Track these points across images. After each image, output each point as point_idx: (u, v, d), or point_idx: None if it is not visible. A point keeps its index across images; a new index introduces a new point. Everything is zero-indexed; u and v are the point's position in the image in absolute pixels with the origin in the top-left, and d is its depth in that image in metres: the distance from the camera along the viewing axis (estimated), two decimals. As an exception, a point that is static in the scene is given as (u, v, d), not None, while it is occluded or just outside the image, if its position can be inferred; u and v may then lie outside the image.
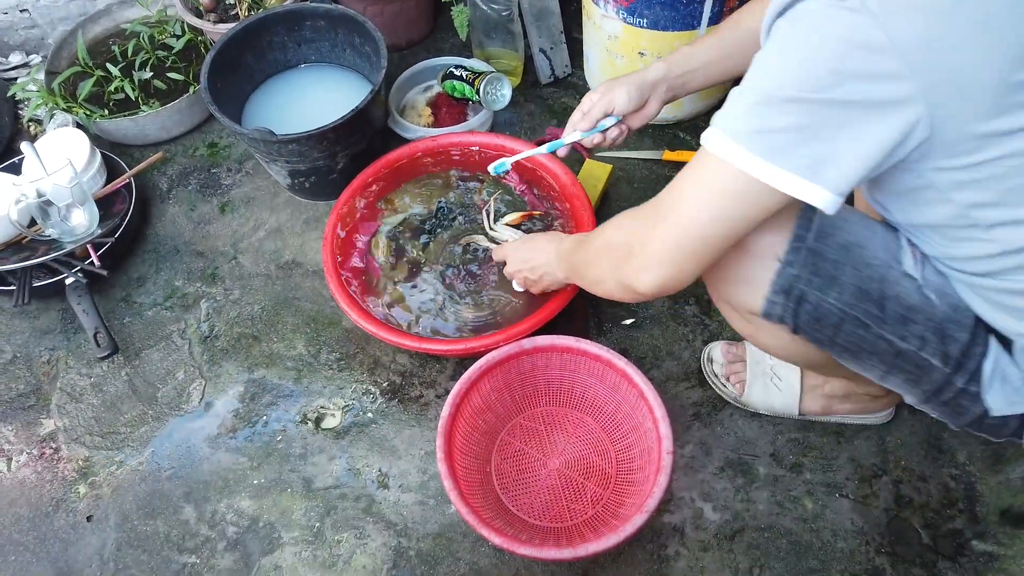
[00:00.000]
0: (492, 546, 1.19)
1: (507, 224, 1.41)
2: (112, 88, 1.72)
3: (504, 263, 1.29)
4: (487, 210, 1.43)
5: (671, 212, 0.83)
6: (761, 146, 0.74)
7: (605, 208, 1.57)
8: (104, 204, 1.57)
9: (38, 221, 1.49)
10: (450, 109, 1.69)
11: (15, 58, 2.00)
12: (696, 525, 1.21)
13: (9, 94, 1.84)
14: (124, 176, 1.60)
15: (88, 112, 1.69)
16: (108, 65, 1.75)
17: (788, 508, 1.21)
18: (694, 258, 0.83)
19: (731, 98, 0.77)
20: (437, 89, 1.71)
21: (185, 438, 1.38)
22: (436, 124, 1.68)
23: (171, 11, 1.83)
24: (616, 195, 1.59)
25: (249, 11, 1.72)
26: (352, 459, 1.32)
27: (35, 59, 2.01)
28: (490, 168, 1.30)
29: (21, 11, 1.94)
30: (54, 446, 1.40)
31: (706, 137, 0.78)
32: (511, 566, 1.20)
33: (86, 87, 1.70)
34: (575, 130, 1.20)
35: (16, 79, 1.93)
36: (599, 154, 1.64)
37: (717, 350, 1.33)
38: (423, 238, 1.45)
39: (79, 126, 1.71)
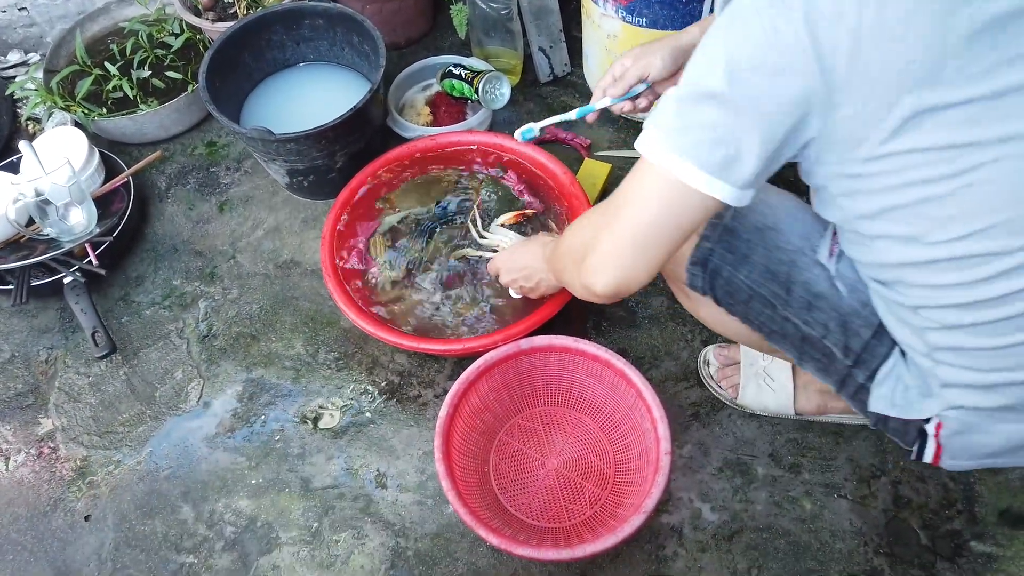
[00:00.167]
0: (490, 546, 1.19)
1: (501, 224, 1.41)
2: (110, 87, 1.72)
3: (498, 274, 1.26)
4: (472, 219, 1.42)
5: (616, 215, 0.82)
6: (677, 144, 0.74)
7: (604, 207, 1.57)
8: (102, 203, 1.57)
9: (36, 220, 1.49)
10: (449, 108, 1.69)
11: (13, 56, 2.00)
12: (694, 525, 1.21)
13: (7, 92, 1.83)
14: (122, 175, 1.60)
15: (86, 111, 1.69)
16: (106, 64, 1.74)
17: (786, 508, 1.21)
18: (645, 258, 0.82)
19: (663, 97, 0.77)
20: (436, 88, 1.71)
21: (183, 438, 1.37)
22: (435, 123, 1.68)
23: (169, 9, 1.82)
24: (615, 194, 1.58)
25: (247, 9, 1.72)
26: (350, 459, 1.32)
27: (33, 57, 2.01)
28: (516, 134, 1.25)
29: (19, 9, 1.94)
30: (52, 445, 1.40)
31: (639, 139, 0.78)
32: (509, 566, 1.19)
33: (84, 86, 1.70)
34: (605, 95, 1.16)
35: (14, 77, 1.93)
36: (598, 153, 1.64)
37: (711, 353, 1.33)
38: (422, 237, 1.45)
39: (77, 125, 1.71)
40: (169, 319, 1.52)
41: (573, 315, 1.41)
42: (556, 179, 1.46)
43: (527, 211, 1.44)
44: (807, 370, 0.99)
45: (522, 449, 1.26)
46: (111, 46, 1.83)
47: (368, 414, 1.37)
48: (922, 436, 0.89)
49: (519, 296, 1.31)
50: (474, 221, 1.41)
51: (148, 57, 1.78)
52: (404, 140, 1.57)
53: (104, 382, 1.46)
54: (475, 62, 1.67)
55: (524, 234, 1.40)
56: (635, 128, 1.68)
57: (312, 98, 1.65)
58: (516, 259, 1.22)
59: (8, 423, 1.43)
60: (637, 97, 1.16)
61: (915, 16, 0.64)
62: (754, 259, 0.94)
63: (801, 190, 0.92)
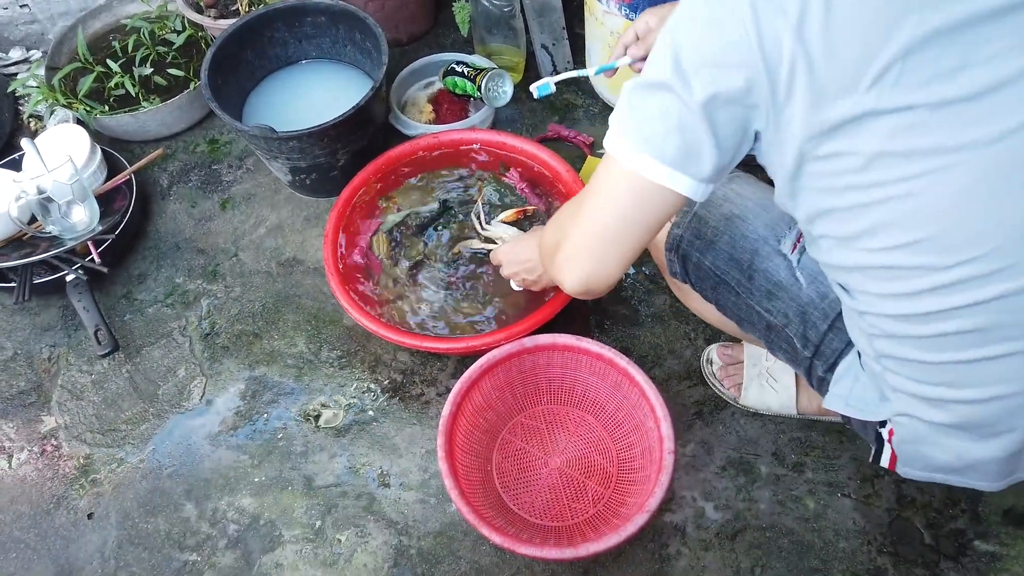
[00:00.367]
0: (493, 545, 1.19)
1: (503, 221, 1.41)
2: (112, 84, 1.72)
3: (500, 266, 1.27)
4: (476, 213, 1.42)
5: (582, 211, 0.80)
6: (633, 137, 0.73)
7: (607, 205, 1.56)
8: (105, 201, 1.56)
9: (39, 218, 1.49)
10: (451, 105, 1.69)
11: (15, 54, 2.00)
12: (697, 524, 1.21)
13: (9, 90, 1.83)
14: (125, 173, 1.59)
15: (88, 108, 1.69)
16: (108, 61, 1.74)
17: (790, 507, 1.21)
18: (612, 254, 0.80)
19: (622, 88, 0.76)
20: (438, 85, 1.70)
21: (186, 436, 1.38)
22: (437, 121, 1.67)
23: (171, 6, 1.82)
24: (618, 192, 1.58)
25: (249, 7, 1.72)
26: (353, 457, 1.32)
27: (35, 55, 2.00)
28: (533, 89, 1.21)
29: (21, 6, 1.94)
30: (55, 443, 1.40)
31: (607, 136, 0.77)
32: (512, 565, 1.19)
33: (86, 83, 1.69)
34: (626, 54, 1.13)
35: (16, 75, 1.92)
36: (600, 151, 1.63)
37: (715, 352, 1.33)
38: (424, 235, 1.44)
39: (79, 122, 1.71)
40: (171, 317, 1.52)
41: (576, 313, 1.40)
42: (559, 177, 1.45)
43: (528, 208, 1.43)
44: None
45: (525, 447, 1.26)
46: (113, 43, 1.82)
47: (371, 412, 1.36)
48: (879, 439, 0.89)
49: (520, 288, 1.31)
50: (478, 215, 1.41)
51: (150, 54, 1.77)
52: (406, 138, 1.56)
53: (107, 380, 1.46)
54: (477, 59, 1.66)
55: (526, 232, 1.40)
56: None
57: (314, 96, 1.65)
58: (518, 252, 1.22)
59: (11, 421, 1.43)
60: None
61: (859, 19, 0.62)
62: (719, 245, 0.97)
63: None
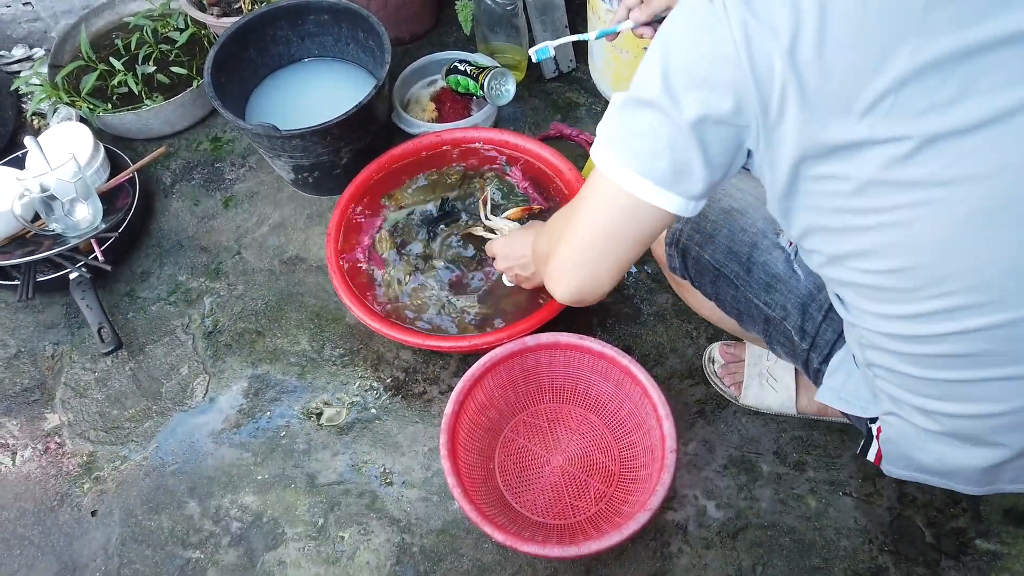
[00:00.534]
0: (495, 543, 1.19)
1: (507, 218, 1.41)
2: (115, 82, 1.72)
3: (495, 258, 1.26)
4: (484, 199, 1.42)
5: (572, 223, 0.80)
6: (621, 154, 0.71)
7: (609, 204, 1.57)
8: (108, 199, 1.57)
9: (42, 216, 1.49)
10: (454, 104, 1.69)
11: (18, 51, 2.00)
12: (699, 523, 1.21)
13: (12, 88, 1.83)
14: (128, 171, 1.60)
15: (91, 106, 1.69)
16: (111, 59, 1.74)
17: (791, 506, 1.21)
18: (603, 266, 0.80)
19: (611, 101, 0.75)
20: (441, 84, 1.70)
21: (189, 433, 1.38)
22: (440, 119, 1.67)
23: (174, 5, 1.82)
24: (620, 191, 1.58)
25: (252, 5, 1.72)
26: (356, 455, 1.32)
27: (38, 52, 2.01)
28: (531, 52, 1.19)
29: (24, 4, 1.94)
30: (58, 441, 1.40)
31: (593, 144, 0.76)
32: (514, 563, 1.20)
33: (89, 81, 1.70)
34: (628, 18, 1.07)
35: (19, 73, 1.92)
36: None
37: (717, 350, 1.33)
38: (427, 234, 1.45)
39: (82, 120, 1.71)
40: (175, 315, 1.52)
41: (578, 312, 1.40)
42: (561, 175, 1.46)
43: (532, 207, 1.44)
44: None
45: (527, 446, 1.27)
46: (116, 41, 1.82)
47: (373, 410, 1.37)
48: (869, 434, 0.90)
49: (512, 284, 1.31)
50: (485, 203, 1.41)
51: (153, 52, 1.78)
52: (409, 136, 1.57)
53: (110, 378, 1.46)
54: (480, 58, 1.66)
55: None
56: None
57: (317, 94, 1.65)
58: (515, 247, 1.21)
59: (15, 418, 1.44)
60: (662, 21, 1.10)
61: (853, 45, 0.60)
62: (718, 239, 0.98)
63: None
